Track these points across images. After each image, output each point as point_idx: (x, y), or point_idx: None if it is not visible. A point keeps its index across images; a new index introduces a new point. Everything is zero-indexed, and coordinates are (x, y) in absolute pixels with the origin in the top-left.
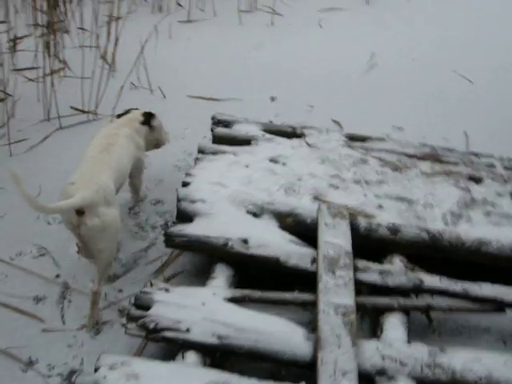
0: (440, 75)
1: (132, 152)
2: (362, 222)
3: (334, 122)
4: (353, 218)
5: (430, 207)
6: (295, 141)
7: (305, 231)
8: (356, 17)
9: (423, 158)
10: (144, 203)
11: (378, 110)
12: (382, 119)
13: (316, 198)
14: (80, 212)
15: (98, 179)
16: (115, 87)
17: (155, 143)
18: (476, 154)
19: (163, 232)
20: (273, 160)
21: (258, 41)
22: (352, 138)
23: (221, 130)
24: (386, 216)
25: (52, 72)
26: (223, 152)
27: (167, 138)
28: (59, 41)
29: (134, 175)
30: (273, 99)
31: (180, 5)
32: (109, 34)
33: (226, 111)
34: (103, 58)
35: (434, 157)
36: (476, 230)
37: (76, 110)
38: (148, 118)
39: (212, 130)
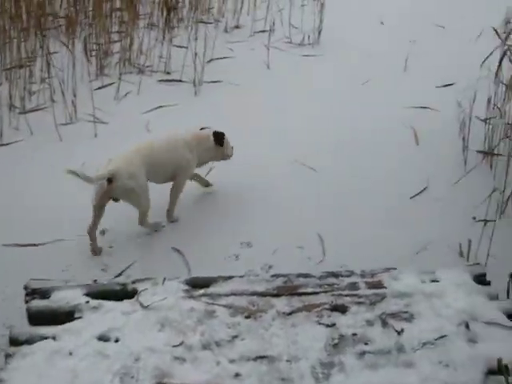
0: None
1: (180, 157)
2: None
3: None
4: None
5: (295, 360)
6: (127, 304)
7: None
8: (186, 111)
9: (277, 293)
10: None
11: (225, 225)
12: (230, 236)
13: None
14: (109, 180)
15: (126, 159)
16: None
17: (221, 157)
18: (335, 275)
19: None
20: (102, 338)
21: (80, 159)
22: (194, 285)
23: (37, 304)
24: None
25: None
26: (41, 337)
27: (230, 153)
28: None
29: (176, 182)
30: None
31: None
32: None
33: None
34: None
35: (289, 290)
36: (351, 381)
37: None
38: (218, 136)
39: (27, 303)
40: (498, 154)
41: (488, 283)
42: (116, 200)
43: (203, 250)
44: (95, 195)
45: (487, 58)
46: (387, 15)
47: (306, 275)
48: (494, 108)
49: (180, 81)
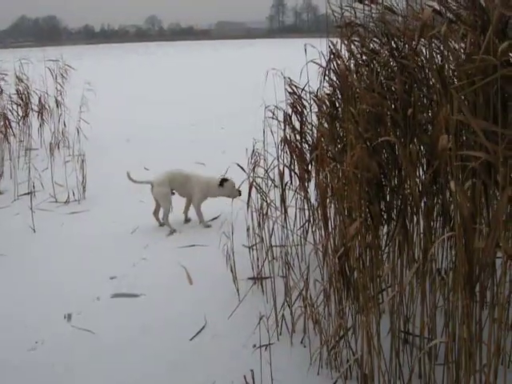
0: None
1: (189, 188)
2: None
3: None
4: None
5: None
6: None
7: None
8: None
9: None
10: None
11: None
12: None
13: None
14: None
15: (159, 176)
16: None
17: (227, 194)
18: None
19: None
20: None
21: None
22: None
23: None
24: None
25: None
26: None
27: (235, 194)
28: None
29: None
30: None
31: None
32: None
33: None
34: None
35: None
36: None
37: None
38: (221, 180)
39: None
40: (265, 278)
41: None
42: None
43: None
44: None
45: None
46: (151, 161)
47: None
48: (253, 235)
49: None
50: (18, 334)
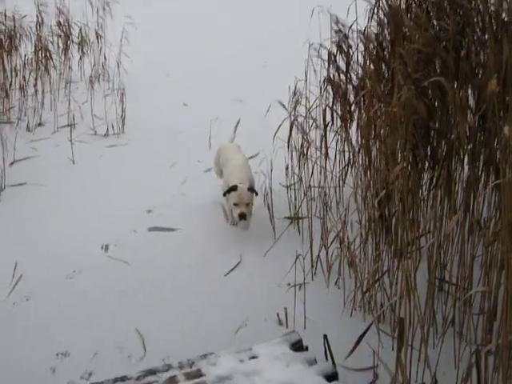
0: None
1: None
2: None
3: None
4: None
5: None
6: None
7: None
8: None
9: None
10: None
11: (37, 337)
12: (44, 349)
13: None
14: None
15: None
16: None
17: None
18: (153, 372)
19: None
20: None
21: None
22: None
23: None
24: None
25: None
26: None
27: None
28: None
29: None
30: None
31: None
32: None
33: None
34: None
35: None
36: None
37: None
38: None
39: None
40: (302, 218)
41: (306, 349)
42: None
43: (14, 370)
44: None
45: (278, 129)
46: (189, 97)
47: (122, 378)
48: (292, 175)
49: None
50: (55, 262)
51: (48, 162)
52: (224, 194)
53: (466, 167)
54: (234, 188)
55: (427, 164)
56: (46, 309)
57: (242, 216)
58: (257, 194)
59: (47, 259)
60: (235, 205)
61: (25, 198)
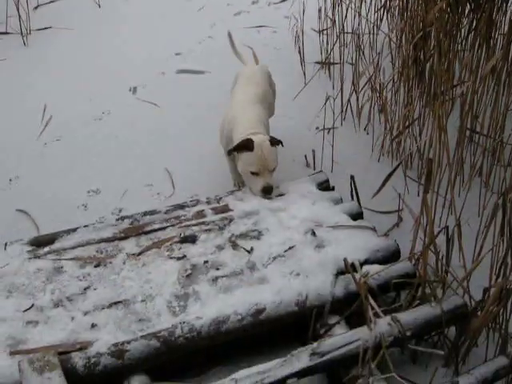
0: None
1: None
2: (79, 361)
3: None
4: (66, 360)
5: (150, 299)
6: None
7: None
8: (17, 63)
9: (125, 236)
10: None
11: (70, 175)
12: (77, 186)
13: (14, 353)
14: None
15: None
16: None
17: None
18: (182, 206)
19: None
20: None
21: None
22: (38, 244)
23: None
24: (104, 336)
25: None
26: None
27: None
28: None
29: None
30: None
31: None
32: None
33: None
34: None
35: (136, 230)
36: (208, 308)
37: None
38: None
39: None
40: (333, 63)
41: (332, 189)
42: None
43: (50, 205)
44: None
45: None
46: None
47: (152, 212)
48: (325, 18)
49: (6, 33)
50: (84, 104)
51: (73, 5)
52: (229, 153)
53: (509, 11)
54: (247, 145)
55: (468, 7)
56: (76, 149)
57: (267, 191)
58: (282, 145)
59: (76, 101)
60: (253, 174)
61: (51, 41)
